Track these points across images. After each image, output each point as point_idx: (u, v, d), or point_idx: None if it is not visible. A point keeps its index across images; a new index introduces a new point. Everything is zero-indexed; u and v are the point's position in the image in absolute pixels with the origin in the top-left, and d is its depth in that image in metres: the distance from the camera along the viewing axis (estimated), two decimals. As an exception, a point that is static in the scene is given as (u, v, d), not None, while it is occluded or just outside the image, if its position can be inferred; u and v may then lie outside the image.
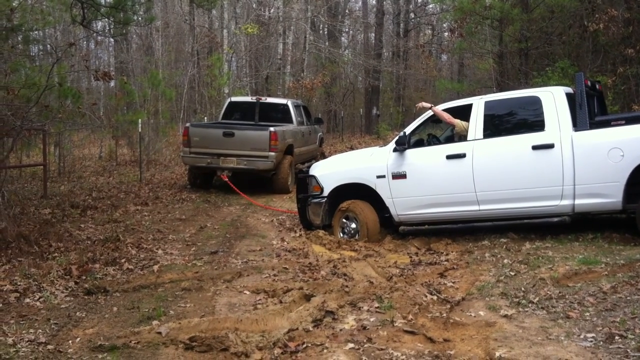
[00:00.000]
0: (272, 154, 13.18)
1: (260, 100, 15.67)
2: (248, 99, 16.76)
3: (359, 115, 34.11)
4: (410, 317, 5.25)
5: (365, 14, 36.41)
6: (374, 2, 35.96)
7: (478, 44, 20.01)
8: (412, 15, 35.71)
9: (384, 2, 33.62)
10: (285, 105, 15.70)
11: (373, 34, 34.68)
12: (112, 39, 24.69)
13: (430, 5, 35.07)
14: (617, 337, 4.49)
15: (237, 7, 25.66)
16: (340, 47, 34.32)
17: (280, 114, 15.46)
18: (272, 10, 28.20)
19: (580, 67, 14.88)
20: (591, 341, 4.49)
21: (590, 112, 7.97)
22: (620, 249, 6.98)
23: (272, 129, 13.36)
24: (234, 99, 16.63)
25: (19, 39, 12.82)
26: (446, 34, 33.52)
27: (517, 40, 17.76)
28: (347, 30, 37.72)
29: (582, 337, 4.60)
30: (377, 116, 31.51)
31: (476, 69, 22.97)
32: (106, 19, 11.26)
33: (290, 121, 15.21)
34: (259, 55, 28.23)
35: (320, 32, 33.81)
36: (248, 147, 13.27)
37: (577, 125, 7.76)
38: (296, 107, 16.10)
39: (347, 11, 37.77)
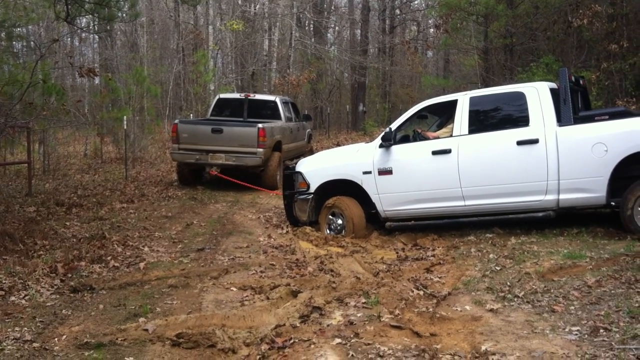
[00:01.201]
0: (260, 150, 13.19)
1: (249, 97, 15.70)
2: (237, 95, 16.79)
3: (345, 111, 34.12)
4: (396, 312, 5.27)
5: (351, 10, 36.41)
6: (359, -2, 36.00)
7: (463, 40, 20.09)
8: (397, 11, 35.73)
9: (370, -1, 33.67)
10: (274, 102, 15.72)
11: (359, 31, 34.69)
12: (96, 36, 24.53)
13: (416, 2, 35.23)
14: (601, 330, 4.53)
15: (223, 4, 25.59)
16: (326, 44, 34.28)
17: (268, 111, 15.48)
18: (257, 7, 28.12)
19: (564, 63, 14.98)
20: (576, 334, 4.53)
21: (574, 108, 8.04)
22: (605, 243, 7.05)
23: (260, 125, 13.39)
24: (222, 95, 16.61)
25: (2, 35, 12.72)
26: (432, 30, 33.59)
27: (502, 36, 17.85)
28: (332, 26, 37.68)
29: (567, 330, 4.64)
30: (364, 112, 31.54)
31: (461, 65, 23.06)
32: (90, 16, 11.20)
33: (278, 118, 15.22)
34: (245, 51, 28.15)
35: (306, 28, 33.74)
36: (236, 143, 13.29)
37: (561, 121, 7.82)
38: (284, 103, 16.13)
39: (332, 7, 37.77)
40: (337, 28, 38.46)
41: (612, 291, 5.35)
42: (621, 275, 5.70)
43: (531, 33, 17.61)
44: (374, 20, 34.92)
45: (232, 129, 13.61)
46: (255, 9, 28.30)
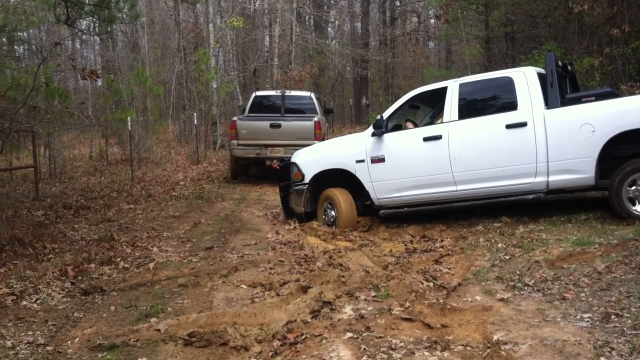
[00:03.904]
0: (317, 142, 13.47)
1: (285, 93, 15.97)
2: (272, 92, 17.08)
3: (349, 105, 34.06)
4: (407, 304, 5.28)
5: (350, 3, 36.30)
6: (359, -9, 35.91)
7: (464, 30, 20.03)
8: (397, 3, 35.62)
9: (369, -9, 33.58)
10: (309, 97, 16.16)
11: (359, 24, 34.62)
12: (97, 38, 24.55)
13: (416, -7, 35.05)
14: (613, 316, 4.52)
15: (222, 1, 25.50)
16: (327, 38, 34.22)
17: (304, 106, 15.84)
18: (257, 3, 28.03)
19: (566, 49, 14.92)
20: (588, 321, 4.53)
21: (561, 91, 8.10)
22: (613, 228, 7.02)
23: (316, 118, 14.25)
24: (258, 93, 16.89)
25: (4, 39, 12.73)
26: (432, 20, 33.48)
27: (503, 25, 17.79)
28: (333, 20, 37.59)
29: (578, 317, 4.63)
30: (367, 106, 31.48)
31: (463, 55, 23.00)
32: (90, 18, 11.20)
33: (315, 112, 15.52)
34: (246, 48, 28.13)
35: (307, 23, 33.66)
36: (294, 136, 13.96)
37: (548, 104, 7.85)
38: (317, 98, 16.57)
39: (332, 1, 37.65)
40: (337, 22, 38.38)
41: (623, 277, 5.34)
42: (631, 261, 5.68)
43: (532, 20, 17.52)
44: (374, 12, 34.83)
45: (290, 123, 14.43)
46: (255, 5, 28.21)
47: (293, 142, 13.75)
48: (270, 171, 14.23)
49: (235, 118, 15.13)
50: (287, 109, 15.48)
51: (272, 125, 14.32)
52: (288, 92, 16.26)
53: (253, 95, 16.49)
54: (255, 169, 15.64)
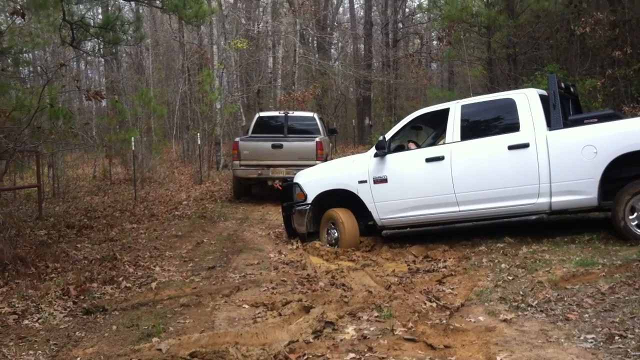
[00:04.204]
0: (319, 162, 13.58)
1: (288, 114, 16.03)
2: (275, 113, 17.23)
3: (352, 126, 34.14)
4: (410, 324, 5.25)
5: (353, 25, 36.56)
6: (361, 13, 36.16)
7: (467, 52, 20.13)
8: (400, 25, 35.85)
9: (372, 14, 33.79)
10: (312, 118, 16.29)
11: (362, 45, 34.81)
12: (102, 59, 24.74)
13: (418, 15, 35.26)
14: (617, 337, 4.50)
15: (226, 23, 25.72)
16: (330, 59, 34.42)
17: (307, 126, 15.94)
18: (260, 25, 28.27)
19: (568, 71, 14.99)
20: (591, 342, 4.50)
21: (564, 113, 8.13)
22: (617, 249, 7.01)
23: (317, 139, 14.33)
24: (262, 114, 17.01)
25: (9, 61, 12.83)
26: (435, 42, 33.66)
27: (505, 46, 17.87)
28: (336, 42, 37.83)
29: (582, 338, 4.61)
30: (370, 126, 31.55)
31: (466, 76, 23.12)
32: (95, 39, 11.29)
33: (318, 132, 15.62)
34: (250, 69, 28.28)
35: (310, 44, 33.87)
36: (296, 157, 14.10)
37: (551, 125, 7.87)
38: (320, 119, 16.71)
39: (335, 23, 37.93)
40: (340, 43, 38.62)
41: (626, 297, 5.32)
42: (634, 282, 5.66)
43: (534, 42, 17.62)
44: (377, 34, 35.03)
45: (291, 143, 14.58)
46: (258, 27, 28.46)
47: (295, 162, 13.88)
48: (272, 191, 14.27)
49: (237, 139, 15.20)
50: (290, 130, 15.54)
51: (274, 146, 14.44)
52: (291, 113, 16.35)
53: (256, 116, 16.61)
54: (258, 189, 15.67)
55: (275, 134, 15.34)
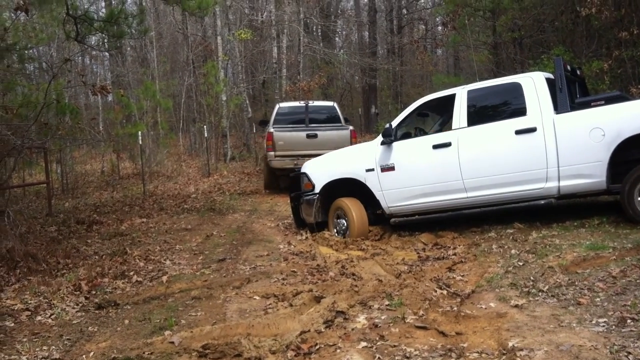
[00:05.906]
0: None
1: (308, 104, 16.08)
2: (296, 103, 17.16)
3: (358, 114, 34.07)
4: (421, 312, 5.26)
5: (357, 12, 36.40)
6: (365, 0, 35.97)
7: (472, 36, 20.01)
8: (404, 11, 35.67)
9: (376, 0, 33.62)
10: (333, 107, 16.28)
11: (367, 33, 34.66)
12: (107, 53, 24.74)
13: (422, 0, 35.11)
14: (629, 321, 4.49)
15: (230, 14, 25.67)
16: (335, 48, 34.29)
17: (328, 115, 15.98)
18: (264, 15, 28.20)
19: (575, 53, 14.87)
20: (603, 326, 4.50)
21: (570, 96, 8.07)
22: (627, 232, 6.98)
23: (351, 127, 14.84)
24: (282, 104, 16.96)
25: (14, 57, 12.84)
26: (439, 28, 33.50)
27: (510, 30, 17.76)
28: (340, 30, 37.70)
29: (594, 322, 4.60)
30: (376, 114, 31.45)
31: (471, 62, 23.00)
32: (100, 34, 11.29)
33: (338, 121, 15.67)
34: (255, 60, 28.26)
35: (314, 33, 33.77)
36: (332, 145, 13.77)
37: (558, 109, 7.82)
38: (339, 108, 16.65)
39: (339, 11, 37.75)
40: (344, 32, 38.49)
41: (638, 280, 5.31)
42: (646, 264, 5.65)
43: (539, 25, 17.49)
44: (381, 21, 34.87)
45: (326, 132, 14.77)
46: (262, 17, 28.38)
47: (330, 151, 13.81)
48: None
49: (271, 129, 15.09)
50: (311, 119, 15.54)
51: (308, 136, 14.62)
52: (312, 103, 16.36)
53: (277, 106, 16.55)
54: (288, 181, 15.59)
55: (296, 124, 15.33)
